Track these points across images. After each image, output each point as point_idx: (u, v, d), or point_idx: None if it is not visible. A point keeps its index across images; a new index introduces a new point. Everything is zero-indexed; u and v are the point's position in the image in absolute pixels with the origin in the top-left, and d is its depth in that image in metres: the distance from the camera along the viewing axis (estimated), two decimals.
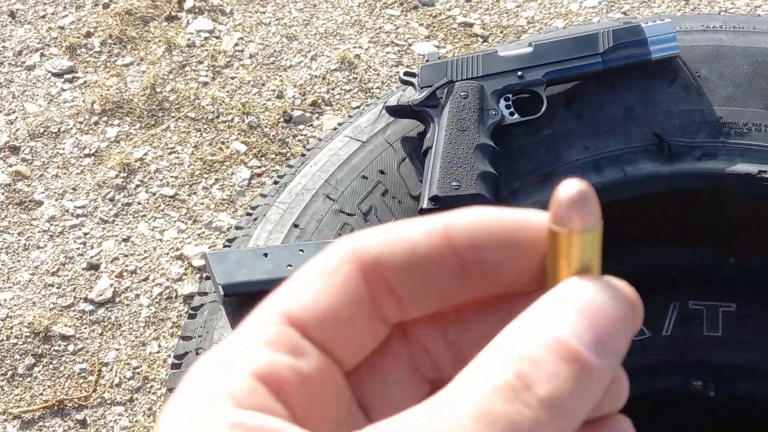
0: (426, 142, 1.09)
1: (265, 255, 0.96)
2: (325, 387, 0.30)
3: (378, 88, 2.32)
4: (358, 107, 2.28)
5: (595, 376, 0.28)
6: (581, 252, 0.29)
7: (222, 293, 0.94)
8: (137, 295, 2.01)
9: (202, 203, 2.14)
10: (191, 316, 0.99)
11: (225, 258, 0.96)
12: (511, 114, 1.12)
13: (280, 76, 2.35)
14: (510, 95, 1.13)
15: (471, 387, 0.27)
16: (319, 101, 2.30)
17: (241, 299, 0.95)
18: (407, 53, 2.38)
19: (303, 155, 1.13)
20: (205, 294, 1.00)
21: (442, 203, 1.04)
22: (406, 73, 1.14)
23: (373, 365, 0.33)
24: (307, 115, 2.27)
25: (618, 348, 0.28)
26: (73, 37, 2.41)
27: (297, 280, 0.31)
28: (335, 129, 1.16)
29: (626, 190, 1.13)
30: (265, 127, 2.25)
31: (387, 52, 2.39)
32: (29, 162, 2.20)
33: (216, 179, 2.18)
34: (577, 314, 0.28)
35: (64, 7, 2.49)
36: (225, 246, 1.06)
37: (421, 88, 1.11)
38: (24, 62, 2.39)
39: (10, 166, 2.18)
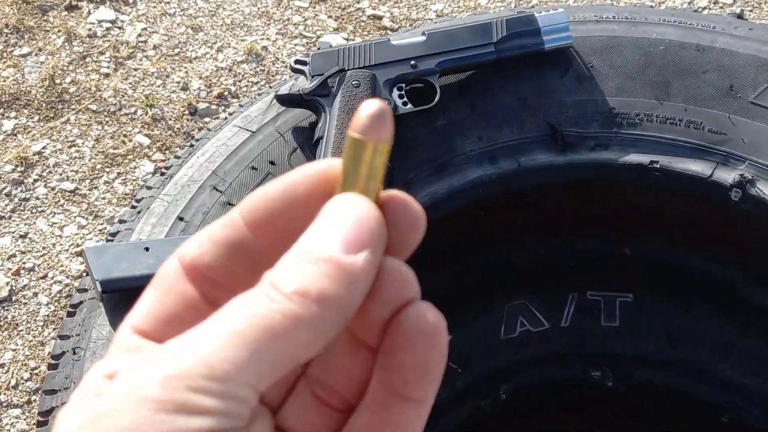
0: (317, 132, 1.06)
1: (147, 249, 0.93)
2: None
3: (285, 79, 2.28)
4: None
5: (346, 270, 0.31)
6: (372, 159, 0.33)
7: (100, 289, 0.90)
8: (35, 294, 1.95)
9: (103, 198, 2.07)
10: (70, 314, 0.95)
11: (104, 252, 0.92)
12: (405, 104, 1.10)
13: (185, 67, 2.30)
14: (403, 85, 1.11)
15: (233, 303, 0.31)
16: (226, 93, 2.25)
17: (122, 295, 0.91)
18: (315, 45, 2.35)
19: (191, 146, 1.09)
20: (85, 291, 0.96)
21: None
22: (296, 61, 1.11)
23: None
24: (213, 107, 2.23)
25: (366, 245, 0.32)
26: None
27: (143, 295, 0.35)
28: (225, 119, 1.13)
29: (521, 180, 1.12)
30: (170, 119, 2.20)
31: (295, 44, 2.36)
32: None
33: (118, 173, 2.12)
34: (328, 221, 0.32)
35: None
36: (108, 241, 1.02)
37: (312, 76, 1.09)
38: None
39: None
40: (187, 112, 2.21)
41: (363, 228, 0.32)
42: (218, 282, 0.34)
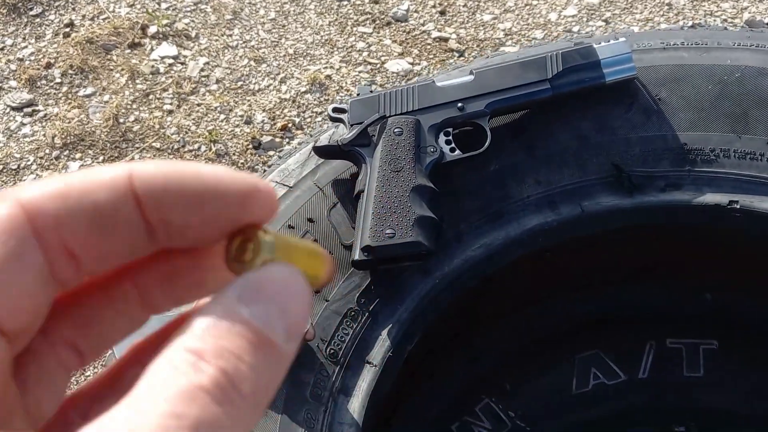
0: (358, 185, 0.99)
1: None
2: None
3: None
4: None
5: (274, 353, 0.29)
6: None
7: None
8: None
9: None
10: None
11: None
12: (452, 150, 1.01)
13: (249, 100, 2.25)
14: (450, 129, 1.02)
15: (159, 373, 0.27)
16: (290, 125, 2.20)
17: None
18: (380, 72, 2.28)
19: None
20: None
21: (376, 254, 0.94)
22: (335, 110, 1.03)
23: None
24: (277, 140, 2.17)
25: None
26: (33, 69, 2.32)
27: None
28: (264, 171, 1.06)
29: (585, 226, 1.02)
30: (234, 154, 2.16)
31: (359, 72, 2.29)
32: None
33: None
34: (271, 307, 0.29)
35: (24, 38, 2.40)
36: None
37: (352, 125, 1.01)
38: None
39: None
40: (251, 146, 2.16)
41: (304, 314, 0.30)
42: (73, 252, 0.29)
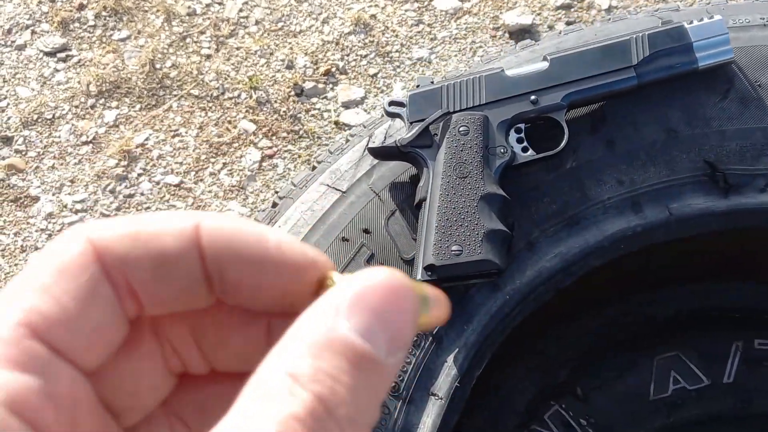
0: (419, 193, 0.88)
1: None
2: (76, 401, 0.29)
3: (397, 51, 2.09)
4: (375, 74, 2.06)
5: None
6: None
7: None
8: None
9: (209, 191, 1.96)
10: None
11: None
12: (524, 149, 0.90)
13: (290, 43, 2.13)
14: (522, 125, 0.90)
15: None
16: (333, 69, 2.08)
17: None
18: (428, 10, 2.14)
19: (274, 205, 0.93)
20: None
21: (440, 273, 0.84)
22: (391, 103, 0.92)
23: (120, 365, 0.32)
24: (320, 86, 2.06)
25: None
26: (65, 11, 2.21)
27: (34, 279, 0.29)
28: (313, 168, 0.95)
29: (672, 231, 0.91)
30: (275, 102, 2.05)
31: (406, 10, 2.15)
32: (23, 153, 2.03)
33: (224, 163, 1.99)
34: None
35: None
36: None
37: (411, 122, 0.89)
38: (14, 41, 2.20)
39: (3, 158, 2.01)
40: (292, 92, 2.05)
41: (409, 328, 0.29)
42: (134, 290, 0.30)
